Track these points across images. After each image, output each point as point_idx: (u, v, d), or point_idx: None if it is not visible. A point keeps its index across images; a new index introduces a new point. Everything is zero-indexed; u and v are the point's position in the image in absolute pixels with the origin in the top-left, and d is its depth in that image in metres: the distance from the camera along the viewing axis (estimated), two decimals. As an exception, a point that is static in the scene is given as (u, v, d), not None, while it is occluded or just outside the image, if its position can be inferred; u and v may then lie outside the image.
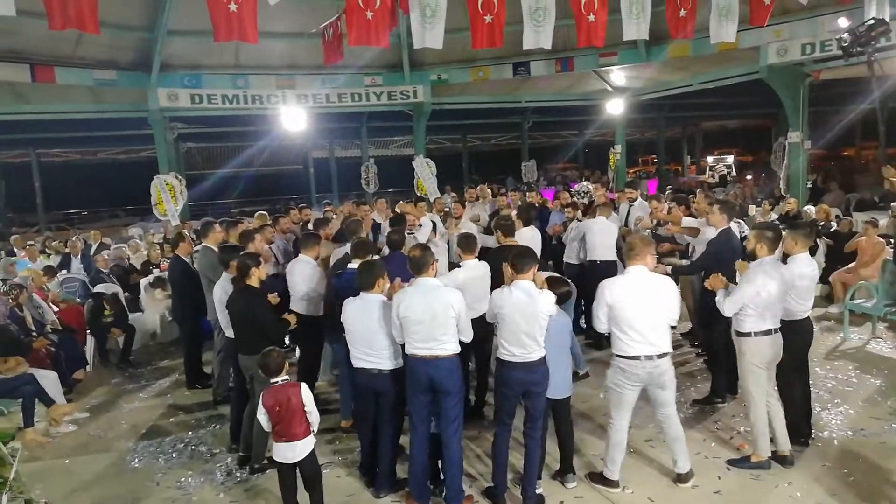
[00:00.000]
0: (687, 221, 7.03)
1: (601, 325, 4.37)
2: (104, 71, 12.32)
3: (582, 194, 14.54)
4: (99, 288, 8.60)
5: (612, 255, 7.39)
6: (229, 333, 5.34)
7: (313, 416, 4.15)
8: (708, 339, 6.18)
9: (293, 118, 14.42)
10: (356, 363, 4.51)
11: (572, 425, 4.65)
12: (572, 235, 7.69)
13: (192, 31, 12.52)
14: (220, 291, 5.39)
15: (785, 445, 4.67)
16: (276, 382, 4.12)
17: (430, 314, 4.10)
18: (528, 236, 6.61)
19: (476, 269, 5.17)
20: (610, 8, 8.63)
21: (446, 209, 9.35)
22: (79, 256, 11.15)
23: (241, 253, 5.18)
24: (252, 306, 4.84)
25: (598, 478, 4.58)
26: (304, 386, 4.15)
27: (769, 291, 4.44)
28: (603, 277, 7.24)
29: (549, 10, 8.26)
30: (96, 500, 4.84)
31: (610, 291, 4.25)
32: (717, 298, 4.65)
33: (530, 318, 4.07)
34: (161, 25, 12.11)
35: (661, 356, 4.22)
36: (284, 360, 4.22)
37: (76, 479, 5.17)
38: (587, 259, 7.41)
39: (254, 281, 4.90)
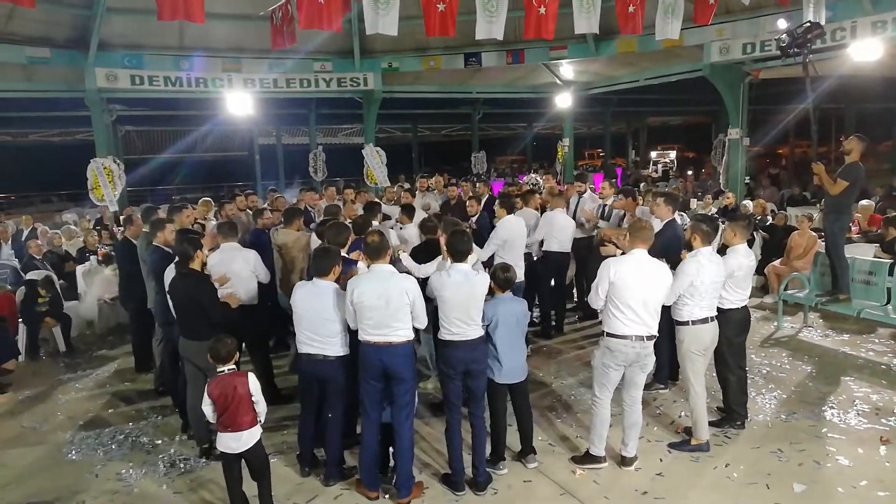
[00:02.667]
0: (639, 212, 7.19)
1: (598, 302, 4.48)
2: (38, 48, 11.71)
3: (531, 185, 14.70)
4: (31, 275, 8.23)
5: (566, 247, 7.48)
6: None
7: (260, 405, 4.07)
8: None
9: (239, 103, 14.04)
10: (302, 348, 4.46)
11: (530, 408, 4.74)
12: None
13: (134, 9, 12.08)
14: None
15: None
16: (223, 371, 4.04)
17: (384, 300, 4.09)
18: (514, 223, 6.72)
19: None
20: (561, 1, 8.70)
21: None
22: (9, 242, 10.63)
23: (184, 237, 4.99)
24: (195, 290, 4.72)
25: (583, 458, 4.70)
26: (251, 375, 4.07)
27: (703, 281, 4.63)
28: (557, 267, 7.43)
29: (501, 1, 8.28)
30: (31, 493, 4.65)
31: (615, 269, 4.36)
32: None
33: (469, 299, 4.26)
34: (100, 2, 11.60)
35: (650, 338, 4.38)
36: (235, 349, 4.13)
37: (9, 472, 4.96)
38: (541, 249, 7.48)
39: (196, 264, 4.78)
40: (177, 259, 4.91)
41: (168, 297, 5.01)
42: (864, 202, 10.50)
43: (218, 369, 4.05)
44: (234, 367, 4.09)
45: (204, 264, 4.93)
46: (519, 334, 4.55)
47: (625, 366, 4.45)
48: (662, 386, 5.98)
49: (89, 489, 4.66)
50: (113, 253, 8.78)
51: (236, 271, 5.53)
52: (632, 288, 4.31)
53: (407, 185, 11.73)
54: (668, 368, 5.94)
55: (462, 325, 4.28)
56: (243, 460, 4.10)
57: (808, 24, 7.14)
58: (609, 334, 4.42)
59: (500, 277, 4.50)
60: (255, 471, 4.14)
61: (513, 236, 6.53)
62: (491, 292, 4.51)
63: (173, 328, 5.19)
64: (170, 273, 5.19)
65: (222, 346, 4.05)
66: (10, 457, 5.21)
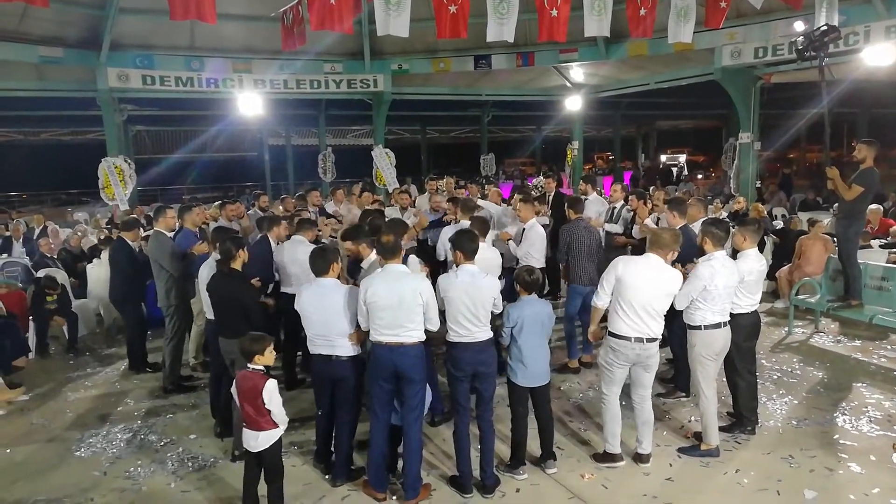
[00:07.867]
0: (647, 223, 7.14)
1: (604, 297, 4.49)
2: (50, 48, 11.79)
3: (539, 189, 14.68)
4: (41, 273, 8.29)
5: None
6: (211, 315, 5.18)
7: (274, 412, 3.96)
8: (668, 332, 6.31)
9: (249, 103, 14.10)
10: (313, 349, 4.45)
11: (551, 412, 4.72)
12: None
13: (146, 10, 12.13)
14: (208, 272, 5.11)
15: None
16: (249, 369, 4.01)
17: (396, 300, 4.08)
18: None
19: (484, 252, 5.02)
20: (572, 4, 8.67)
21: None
22: (20, 240, 10.73)
23: (225, 235, 5.02)
24: (236, 290, 4.73)
25: (602, 457, 4.71)
26: (270, 382, 3.95)
27: (716, 285, 4.59)
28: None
29: (513, 4, 8.24)
30: (40, 490, 4.66)
31: (623, 266, 4.38)
32: None
33: (475, 300, 4.23)
34: (112, 2, 11.68)
35: (650, 340, 4.39)
36: (261, 350, 4.01)
37: (19, 468, 4.98)
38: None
39: (237, 264, 4.79)
40: (218, 258, 4.93)
41: (207, 294, 4.99)
42: (871, 206, 10.39)
43: (248, 364, 4.03)
44: (261, 368, 4.03)
45: (245, 264, 4.94)
46: (543, 336, 4.53)
47: (628, 364, 4.48)
48: (684, 394, 5.87)
49: (98, 487, 4.67)
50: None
51: None
52: (636, 288, 4.32)
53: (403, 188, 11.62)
54: (688, 375, 5.86)
55: (469, 327, 4.26)
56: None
57: (826, 27, 7.08)
58: (612, 333, 4.46)
59: (525, 280, 4.50)
60: (267, 472, 4.10)
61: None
62: (516, 294, 4.53)
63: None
64: (209, 266, 5.21)
65: (251, 342, 3.98)
66: (19, 453, 5.24)
